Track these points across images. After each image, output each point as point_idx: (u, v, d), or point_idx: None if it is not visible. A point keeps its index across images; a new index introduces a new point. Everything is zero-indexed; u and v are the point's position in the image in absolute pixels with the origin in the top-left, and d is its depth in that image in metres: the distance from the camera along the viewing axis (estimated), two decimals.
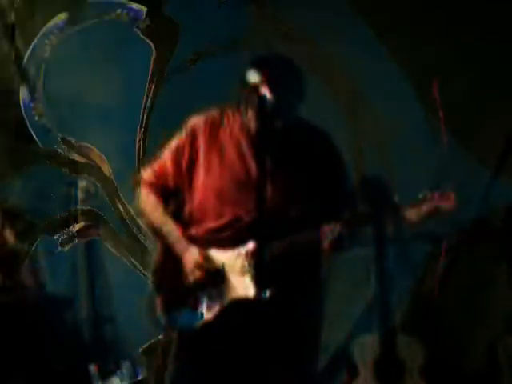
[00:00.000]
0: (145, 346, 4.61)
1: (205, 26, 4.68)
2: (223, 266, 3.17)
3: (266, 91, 3.02)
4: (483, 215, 4.45)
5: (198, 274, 3.16)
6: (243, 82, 3.08)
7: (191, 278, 3.17)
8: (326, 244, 3.12)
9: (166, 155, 3.30)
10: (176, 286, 3.21)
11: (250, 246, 3.10)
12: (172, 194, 3.30)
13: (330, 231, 3.10)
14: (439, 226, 4.39)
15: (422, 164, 4.38)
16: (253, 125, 3.14)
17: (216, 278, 3.15)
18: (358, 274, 4.39)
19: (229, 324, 3.13)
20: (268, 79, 3.02)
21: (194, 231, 3.23)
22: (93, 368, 4.37)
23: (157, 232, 3.31)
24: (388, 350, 4.03)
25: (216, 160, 3.21)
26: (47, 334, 4.40)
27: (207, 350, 3.18)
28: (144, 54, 4.72)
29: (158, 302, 3.25)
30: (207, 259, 3.17)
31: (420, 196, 3.10)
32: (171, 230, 3.26)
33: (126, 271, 4.77)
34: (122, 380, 4.44)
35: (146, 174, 3.35)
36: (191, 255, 3.18)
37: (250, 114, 3.12)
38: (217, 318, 3.13)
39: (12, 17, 4.79)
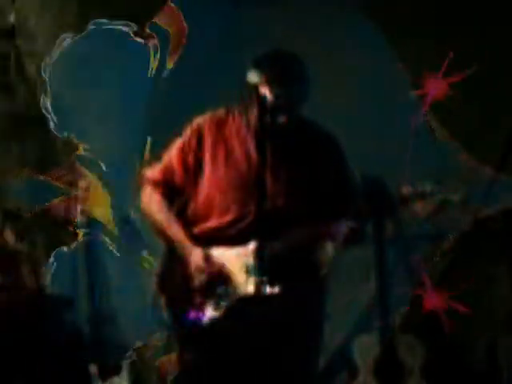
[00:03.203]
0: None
1: (205, 26, 4.69)
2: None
3: (266, 91, 3.04)
4: (483, 215, 4.45)
5: (200, 277, 3.15)
6: (244, 81, 3.09)
7: (196, 280, 3.16)
8: (339, 239, 3.13)
9: (172, 153, 3.28)
10: (181, 287, 3.20)
11: (253, 244, 3.10)
12: (176, 193, 3.29)
13: (340, 227, 3.11)
14: (439, 226, 4.41)
15: (423, 164, 4.38)
16: (255, 124, 3.14)
17: (219, 279, 3.15)
18: (357, 274, 4.39)
19: (233, 323, 3.13)
20: (273, 76, 3.04)
21: (197, 230, 3.23)
22: (93, 368, 4.37)
23: (161, 232, 3.30)
24: (388, 349, 4.03)
25: (222, 158, 3.21)
26: (47, 335, 4.40)
27: (212, 349, 3.18)
28: (145, 55, 4.74)
29: (163, 302, 3.24)
30: (209, 261, 3.16)
31: (426, 188, 3.08)
32: (175, 230, 3.24)
33: (126, 271, 4.77)
34: (122, 380, 4.45)
35: (151, 172, 3.33)
36: (194, 257, 3.18)
37: (253, 113, 3.12)
38: (222, 317, 3.13)
39: (12, 17, 4.80)
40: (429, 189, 3.05)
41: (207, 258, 3.16)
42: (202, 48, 4.69)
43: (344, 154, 3.29)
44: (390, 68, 4.52)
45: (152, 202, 3.30)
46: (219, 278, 3.15)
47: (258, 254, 3.07)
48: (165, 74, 4.75)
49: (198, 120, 3.28)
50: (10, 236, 4.74)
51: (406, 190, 3.06)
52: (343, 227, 3.11)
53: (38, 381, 4.29)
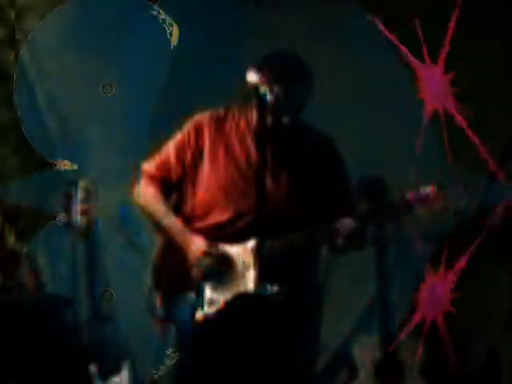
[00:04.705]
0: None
1: (205, 26, 4.69)
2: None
3: (266, 91, 3.05)
4: (483, 215, 4.45)
5: (206, 261, 3.15)
6: (244, 81, 3.10)
7: (195, 271, 3.17)
8: (340, 238, 3.13)
9: (170, 148, 3.30)
10: (177, 281, 3.21)
11: (252, 242, 3.10)
12: (173, 188, 3.30)
13: (343, 226, 3.11)
14: (439, 225, 4.41)
15: (423, 164, 4.38)
16: (255, 123, 3.15)
17: (225, 262, 3.15)
18: (357, 274, 4.39)
19: (229, 320, 3.13)
20: (273, 76, 3.05)
21: (196, 227, 3.23)
22: (93, 368, 4.36)
23: (157, 225, 3.30)
24: (388, 350, 4.03)
25: (221, 155, 3.22)
26: (47, 334, 4.40)
27: (207, 345, 3.18)
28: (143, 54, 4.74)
29: (158, 297, 3.25)
30: (213, 246, 3.16)
31: (427, 190, 3.08)
32: (172, 222, 3.25)
33: (126, 271, 4.77)
34: (122, 380, 4.44)
35: (148, 166, 3.35)
36: (196, 245, 3.17)
37: (253, 112, 3.13)
38: (218, 313, 3.13)
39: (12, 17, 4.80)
40: (432, 193, 3.05)
41: (211, 244, 3.16)
42: (202, 47, 4.69)
43: (341, 155, 3.30)
44: (391, 67, 4.52)
45: (148, 194, 3.32)
46: (225, 259, 3.15)
47: (258, 252, 3.07)
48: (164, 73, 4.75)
49: (198, 117, 3.29)
50: (9, 236, 4.74)
51: (409, 195, 3.07)
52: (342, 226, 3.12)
53: (38, 381, 4.29)
